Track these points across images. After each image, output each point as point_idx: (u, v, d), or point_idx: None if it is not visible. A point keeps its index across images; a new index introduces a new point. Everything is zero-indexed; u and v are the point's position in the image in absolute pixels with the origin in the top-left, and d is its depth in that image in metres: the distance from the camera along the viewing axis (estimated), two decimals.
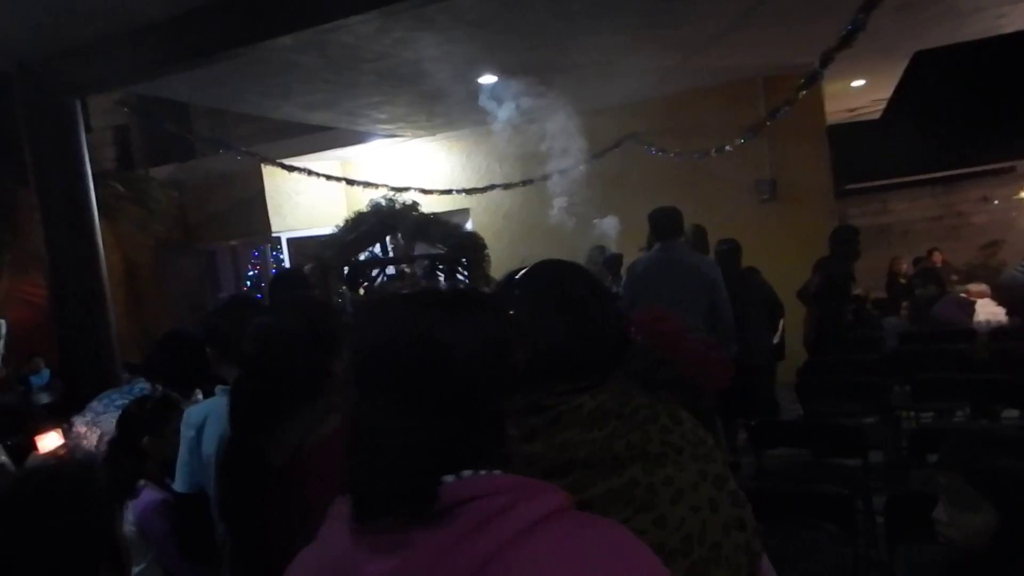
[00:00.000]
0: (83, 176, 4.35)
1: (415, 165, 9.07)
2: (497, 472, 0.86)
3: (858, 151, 14.25)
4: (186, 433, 1.99)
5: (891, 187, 14.26)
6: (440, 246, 4.92)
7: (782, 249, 7.55)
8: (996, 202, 12.65)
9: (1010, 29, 7.06)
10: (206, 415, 1.97)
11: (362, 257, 5.16)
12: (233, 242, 9.50)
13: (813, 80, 4.88)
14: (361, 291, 5.14)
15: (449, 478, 0.82)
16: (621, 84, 7.44)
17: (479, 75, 5.68)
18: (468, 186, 8.62)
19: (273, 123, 8.20)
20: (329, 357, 1.61)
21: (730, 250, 5.58)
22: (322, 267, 4.95)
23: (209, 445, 1.92)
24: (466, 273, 4.81)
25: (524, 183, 8.13)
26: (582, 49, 5.69)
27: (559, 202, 7.85)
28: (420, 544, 0.79)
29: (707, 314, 4.08)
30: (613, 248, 6.86)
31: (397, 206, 4.78)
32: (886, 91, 9.63)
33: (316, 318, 1.69)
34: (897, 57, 7.67)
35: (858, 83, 8.65)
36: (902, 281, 9.39)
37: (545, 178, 8.13)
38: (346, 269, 5.07)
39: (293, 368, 1.58)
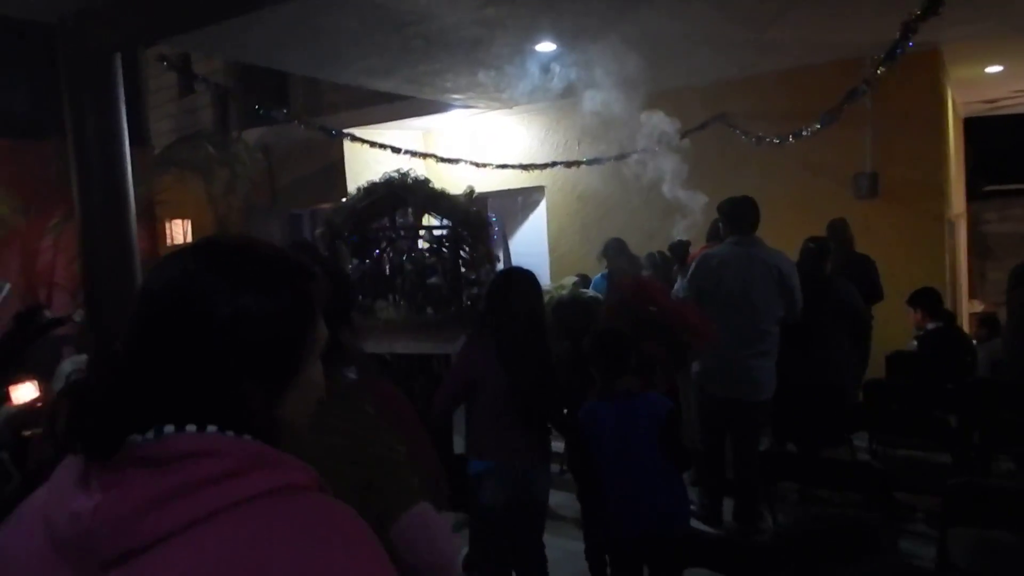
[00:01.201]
0: (118, 133, 4.38)
1: (494, 138, 8.85)
2: (230, 434, 0.83)
3: (1000, 148, 12.76)
4: None
5: None
6: (446, 221, 4.75)
7: (881, 254, 6.77)
8: None
9: None
10: None
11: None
12: (316, 207, 9.65)
13: (892, 56, 4.20)
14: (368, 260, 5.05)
15: (169, 428, 0.82)
16: (709, 60, 6.86)
17: (536, 43, 5.33)
18: (545, 162, 8.31)
19: (361, 91, 8.19)
20: (346, 328, 1.74)
21: (816, 250, 4.98)
22: (331, 234, 4.86)
23: None
24: (468, 248, 4.64)
25: (588, 162, 7.75)
26: (663, 19, 5.21)
27: (639, 184, 7.41)
28: (129, 489, 0.78)
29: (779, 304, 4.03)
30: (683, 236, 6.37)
31: (409, 180, 4.64)
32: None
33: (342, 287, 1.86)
34: None
35: (994, 69, 7.60)
36: None
37: (619, 158, 7.71)
38: (355, 238, 4.95)
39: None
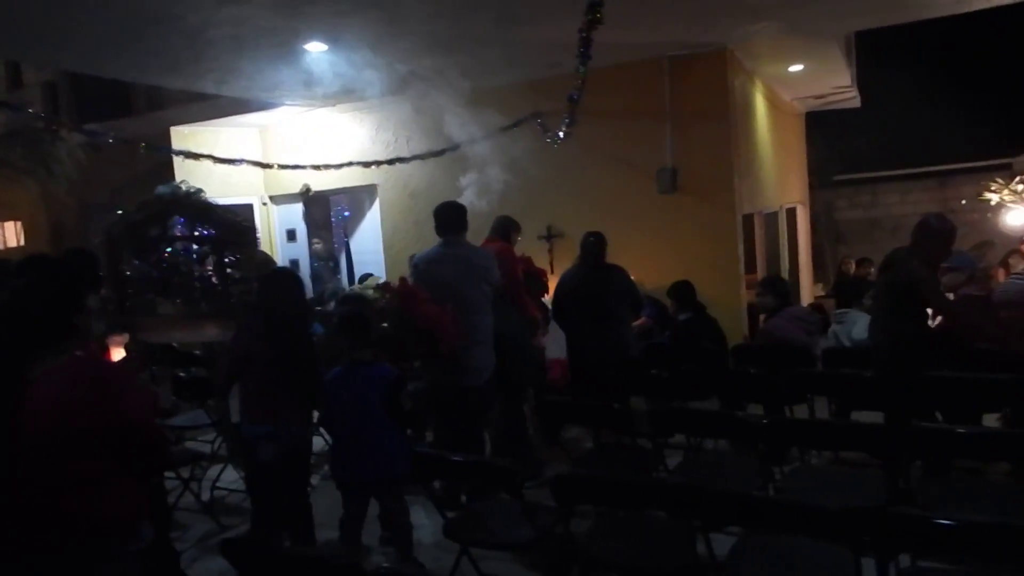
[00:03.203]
0: None
1: (327, 135, 8.79)
2: None
3: (845, 140, 13.44)
4: None
5: (882, 180, 13.39)
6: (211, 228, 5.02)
7: (684, 245, 7.07)
8: (963, 201, 11.76)
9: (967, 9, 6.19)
10: None
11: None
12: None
13: (584, 61, 4.37)
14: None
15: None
16: (525, 60, 6.99)
17: (305, 42, 5.33)
18: (377, 159, 8.32)
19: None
20: (77, 313, 2.25)
21: (594, 242, 5.46)
22: (109, 242, 5.03)
23: None
24: (235, 255, 4.88)
25: (390, 161, 7.89)
26: (478, 21, 5.25)
27: (461, 182, 7.51)
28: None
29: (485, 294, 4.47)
30: None
31: (180, 194, 4.98)
32: (841, 78, 8.89)
33: (67, 282, 2.25)
34: (825, 41, 6.99)
35: (796, 67, 7.97)
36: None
37: (436, 154, 7.81)
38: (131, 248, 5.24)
39: (36, 320, 2.13)
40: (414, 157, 7.95)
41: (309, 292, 8.42)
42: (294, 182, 8.96)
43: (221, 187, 9.07)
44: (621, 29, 6.12)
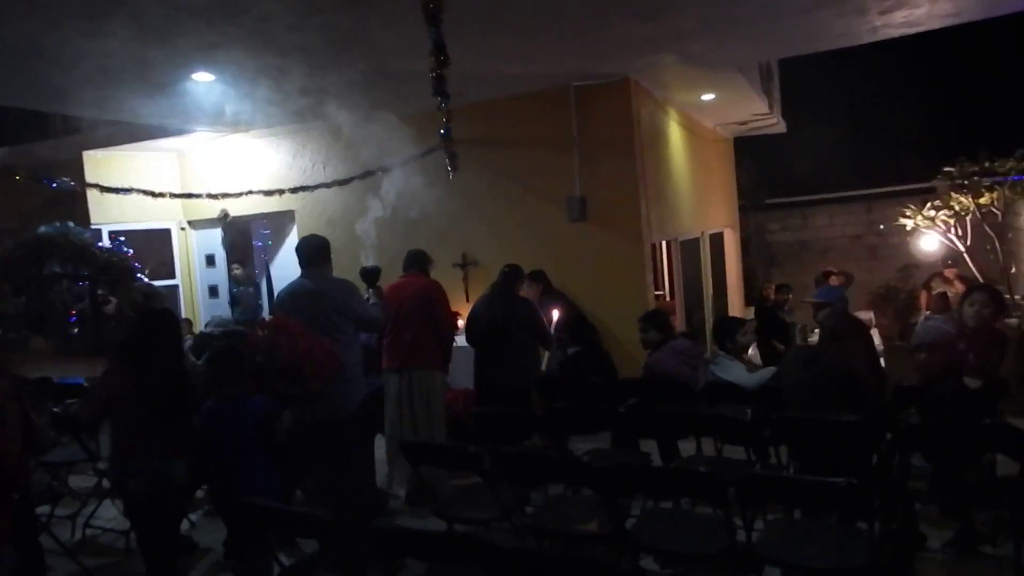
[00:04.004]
0: None
1: (244, 161, 8.68)
2: None
3: (774, 165, 13.69)
4: None
5: (812, 203, 13.65)
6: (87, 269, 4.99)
7: (592, 272, 7.09)
8: (882, 226, 12.03)
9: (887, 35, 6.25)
10: None
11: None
12: None
13: (442, 97, 4.38)
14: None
15: None
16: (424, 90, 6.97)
17: (192, 72, 5.25)
18: (294, 185, 8.23)
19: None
20: None
21: (509, 274, 5.76)
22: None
23: None
24: (108, 289, 4.85)
25: (293, 189, 7.90)
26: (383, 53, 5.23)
27: (373, 209, 7.47)
28: None
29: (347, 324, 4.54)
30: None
31: (59, 235, 5.06)
32: (757, 106, 9.04)
33: None
34: (729, 71, 7.11)
35: (708, 96, 8.09)
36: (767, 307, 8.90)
37: (344, 182, 7.76)
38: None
39: None
40: (319, 185, 7.90)
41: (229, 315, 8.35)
42: (213, 207, 8.81)
43: (137, 212, 8.92)
44: (520, 62, 6.17)
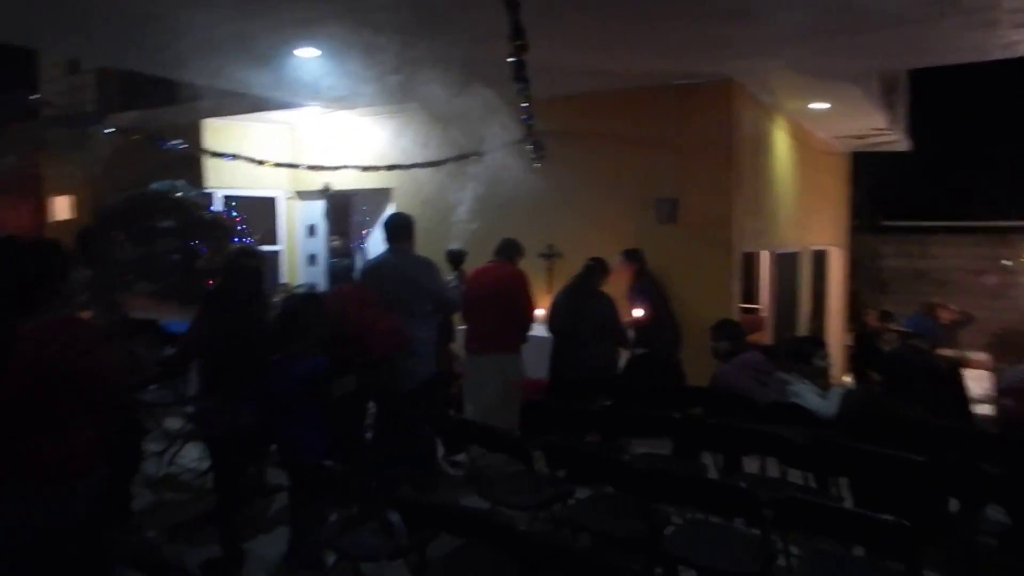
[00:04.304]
0: None
1: (349, 137, 8.99)
2: None
3: (899, 185, 12.87)
4: None
5: (934, 229, 12.76)
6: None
7: (676, 277, 6.91)
8: (1010, 262, 11.05)
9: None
10: None
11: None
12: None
13: (522, 84, 4.33)
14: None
15: None
16: (534, 79, 6.98)
17: (295, 47, 5.47)
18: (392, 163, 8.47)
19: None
20: (60, 282, 2.67)
21: (589, 267, 5.94)
22: (102, 227, 5.48)
23: None
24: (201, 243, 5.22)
25: (388, 167, 8.06)
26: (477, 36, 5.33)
27: (463, 194, 7.63)
28: None
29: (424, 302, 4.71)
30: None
31: (160, 193, 5.29)
32: (875, 120, 8.54)
33: (49, 257, 2.69)
34: (842, 80, 6.73)
35: (819, 106, 7.70)
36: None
37: (437, 164, 7.89)
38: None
39: (21, 287, 2.57)
40: (413, 165, 8.09)
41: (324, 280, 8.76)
42: (318, 179, 9.19)
43: (249, 179, 9.40)
44: (621, 57, 6.07)
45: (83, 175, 10.00)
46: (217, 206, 9.52)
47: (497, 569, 2.80)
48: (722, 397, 4.57)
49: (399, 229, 4.83)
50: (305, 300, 5.19)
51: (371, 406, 5.51)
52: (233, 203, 9.79)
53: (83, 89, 10.35)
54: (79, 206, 10.61)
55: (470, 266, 6.40)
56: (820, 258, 10.18)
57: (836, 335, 10.88)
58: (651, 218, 7.00)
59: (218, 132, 9.19)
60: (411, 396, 4.59)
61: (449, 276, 5.80)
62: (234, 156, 7.84)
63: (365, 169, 8.50)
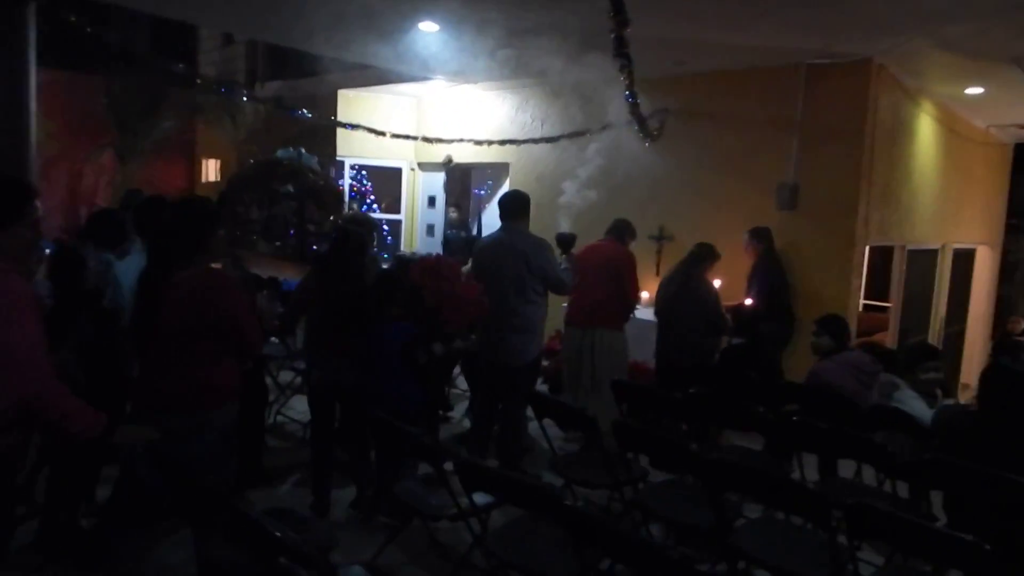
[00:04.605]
0: (24, 74, 5.14)
1: (472, 111, 9.14)
2: None
3: None
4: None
5: None
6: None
7: (793, 267, 6.57)
8: None
9: None
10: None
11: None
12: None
13: (622, 59, 4.14)
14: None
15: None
16: (658, 54, 6.82)
17: (418, 21, 5.62)
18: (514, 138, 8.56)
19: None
20: (211, 237, 2.93)
21: (692, 253, 5.79)
22: (232, 190, 5.88)
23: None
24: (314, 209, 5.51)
25: (502, 142, 8.12)
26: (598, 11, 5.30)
27: (580, 171, 7.58)
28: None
29: (535, 281, 4.68)
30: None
31: (284, 161, 5.64)
32: None
33: (204, 214, 2.99)
34: (999, 63, 6.10)
35: (974, 90, 7.02)
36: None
37: (551, 140, 7.88)
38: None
39: (176, 240, 2.90)
40: (527, 140, 8.15)
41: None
42: (440, 152, 9.45)
43: (376, 150, 9.79)
44: (748, 33, 5.80)
45: (229, 141, 10.78)
46: (343, 174, 10.02)
47: (551, 541, 2.83)
48: (819, 395, 4.33)
49: (514, 207, 4.82)
50: (395, 268, 5.41)
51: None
52: (363, 172, 10.26)
53: (235, 60, 11.13)
54: (225, 169, 11.48)
55: (579, 248, 6.38)
56: (965, 257, 9.35)
57: (977, 343, 9.99)
58: (770, 204, 6.68)
59: (350, 103, 9.64)
60: (517, 373, 4.66)
61: (560, 260, 5.79)
62: (354, 126, 8.19)
63: (480, 143, 8.65)
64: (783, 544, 3.05)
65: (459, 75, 8.19)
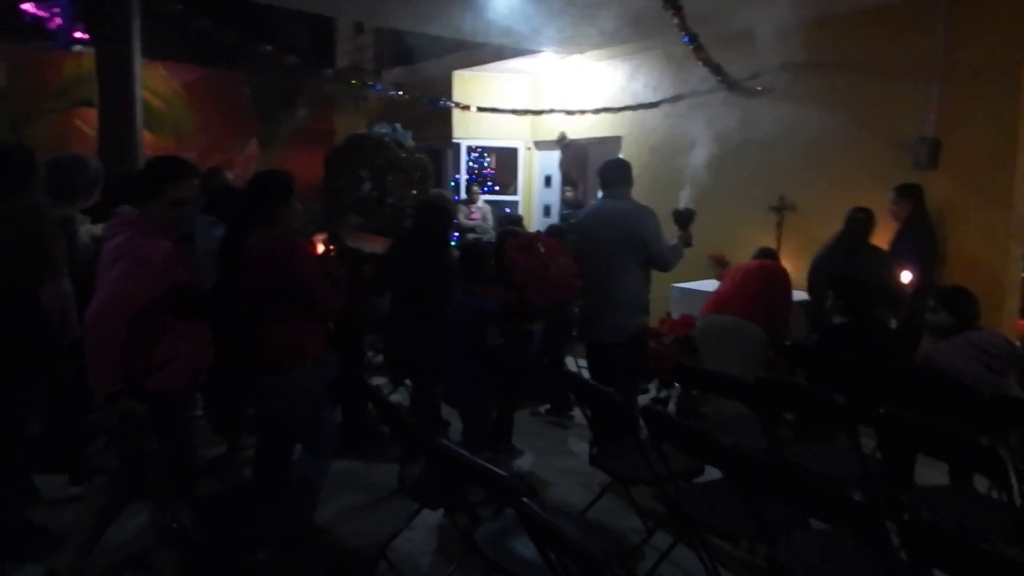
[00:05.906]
0: (128, 53, 5.49)
1: (584, 83, 8.74)
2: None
3: None
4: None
5: None
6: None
7: (942, 235, 5.61)
8: None
9: None
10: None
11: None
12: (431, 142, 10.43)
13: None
14: None
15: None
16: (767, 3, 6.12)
17: None
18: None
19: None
20: (282, 207, 3.12)
21: (857, 219, 5.31)
22: (326, 164, 6.93)
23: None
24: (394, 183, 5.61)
25: (617, 109, 7.74)
26: None
27: (693, 139, 7.04)
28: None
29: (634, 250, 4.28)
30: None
31: (370, 137, 6.54)
32: None
33: (277, 186, 3.17)
34: None
35: None
36: None
37: (651, 105, 7.31)
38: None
39: (250, 213, 3.13)
40: (640, 105, 7.66)
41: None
42: (555, 129, 9.16)
43: (492, 129, 9.71)
44: None
45: (359, 127, 11.14)
46: (463, 156, 10.02)
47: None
48: (934, 381, 3.61)
49: (614, 174, 4.48)
50: (494, 243, 5.21)
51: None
52: (476, 153, 10.22)
53: (365, 49, 11.48)
54: None
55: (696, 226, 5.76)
56: None
57: None
58: (907, 163, 5.77)
59: (465, 83, 9.58)
60: (615, 350, 4.33)
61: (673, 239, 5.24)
62: (455, 104, 8.13)
63: (594, 112, 8.28)
64: (831, 559, 2.52)
65: (568, 44, 7.86)
